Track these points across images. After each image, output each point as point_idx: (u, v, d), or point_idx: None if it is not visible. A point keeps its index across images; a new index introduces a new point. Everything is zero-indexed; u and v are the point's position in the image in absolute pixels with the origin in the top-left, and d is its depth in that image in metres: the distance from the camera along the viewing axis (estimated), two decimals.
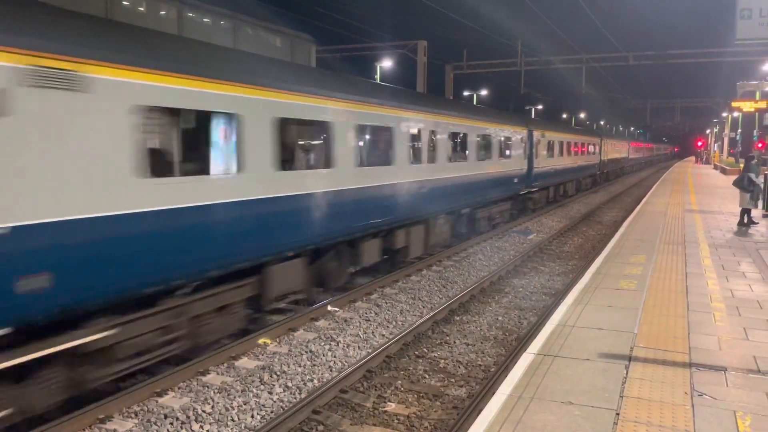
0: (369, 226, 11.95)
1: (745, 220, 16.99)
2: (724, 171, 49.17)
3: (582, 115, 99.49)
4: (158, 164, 7.25)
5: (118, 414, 6.76)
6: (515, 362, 6.71)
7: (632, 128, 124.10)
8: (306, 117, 9.95)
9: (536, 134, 24.98)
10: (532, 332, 9.43)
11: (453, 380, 8.14)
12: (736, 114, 50.58)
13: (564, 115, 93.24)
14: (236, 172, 8.32)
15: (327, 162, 10.48)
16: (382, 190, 12.32)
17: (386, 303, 11.54)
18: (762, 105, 38.91)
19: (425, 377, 8.24)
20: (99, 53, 6.35)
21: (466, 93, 56.02)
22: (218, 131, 8.25)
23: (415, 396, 7.62)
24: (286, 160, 9.47)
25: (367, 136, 12.09)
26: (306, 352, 8.86)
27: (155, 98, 7.04)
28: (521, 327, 10.50)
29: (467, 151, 17.24)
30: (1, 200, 5.44)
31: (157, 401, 7.11)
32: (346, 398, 7.42)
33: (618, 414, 5.28)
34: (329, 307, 10.88)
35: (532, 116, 60.81)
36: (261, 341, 9.09)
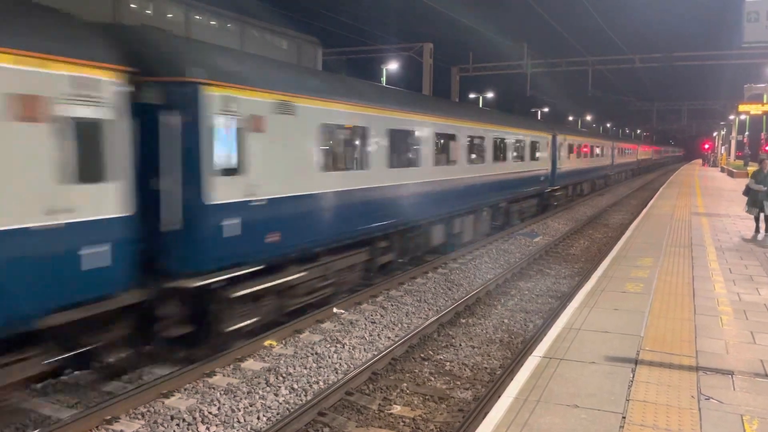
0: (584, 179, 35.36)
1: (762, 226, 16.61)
2: (731, 174, 48.95)
3: (588, 118, 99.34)
4: None
5: (124, 415, 6.78)
6: (521, 365, 6.71)
7: (638, 131, 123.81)
8: (583, 143, 34.82)
9: (615, 144, 47.85)
10: (538, 335, 9.42)
11: (459, 383, 8.14)
12: (743, 117, 50.34)
13: (570, 118, 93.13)
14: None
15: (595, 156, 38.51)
16: (589, 167, 36.38)
17: (392, 305, 11.54)
18: None
19: (431, 380, 8.24)
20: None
21: (471, 95, 55.94)
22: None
23: (421, 398, 7.62)
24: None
25: (581, 149, 33.34)
26: (312, 354, 8.87)
27: None
28: (527, 330, 10.49)
29: (596, 155, 38.41)
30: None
31: (163, 402, 7.13)
32: (351, 400, 7.43)
33: (624, 417, 5.27)
34: (335, 309, 10.88)
35: (538, 117, 61.67)
36: (267, 343, 9.11)
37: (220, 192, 7.89)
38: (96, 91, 6.46)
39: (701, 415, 5.31)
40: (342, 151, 11.17)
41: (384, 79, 36.29)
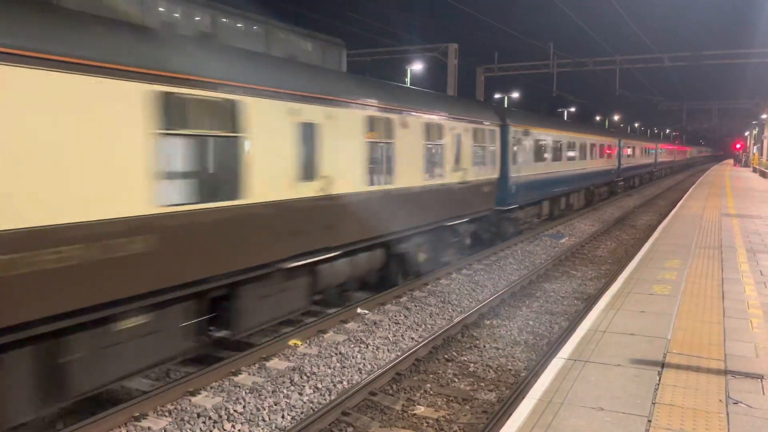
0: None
1: None
2: (763, 174, 47.94)
3: (616, 117, 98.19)
4: None
5: (152, 412, 6.90)
6: (546, 367, 6.67)
7: (668, 130, 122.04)
8: (664, 147, 67.33)
9: (677, 147, 78.16)
10: (563, 337, 9.34)
11: (483, 384, 8.12)
12: None
13: (597, 117, 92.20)
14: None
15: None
16: (667, 160, 66.87)
17: (416, 306, 11.55)
18: None
19: (455, 381, 8.23)
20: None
21: (497, 95, 55.67)
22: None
23: (445, 399, 7.62)
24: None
25: (665, 151, 64.88)
26: (336, 354, 8.92)
27: None
28: (552, 332, 10.42)
29: (668, 154, 68.10)
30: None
31: (190, 400, 7.24)
32: (375, 400, 7.46)
33: (650, 421, 5.21)
34: (359, 310, 10.93)
35: (565, 118, 61.29)
36: (291, 342, 9.18)
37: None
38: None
39: (729, 420, 5.23)
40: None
41: (408, 79, 36.28)
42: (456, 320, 10.44)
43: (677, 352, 6.95)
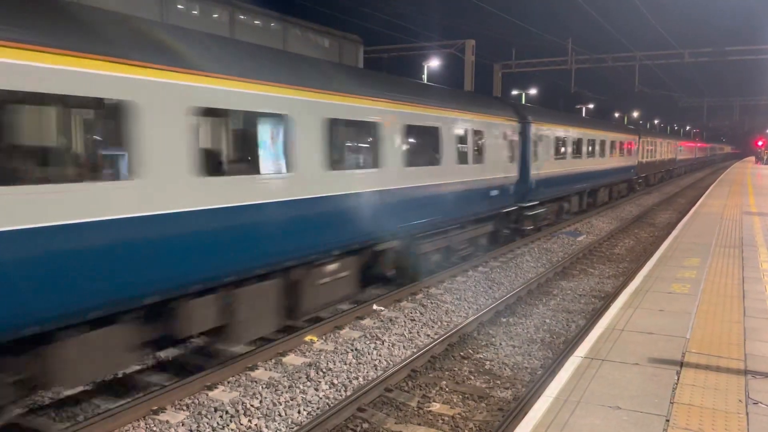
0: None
1: None
2: None
3: (635, 114, 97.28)
4: None
5: (170, 406, 6.98)
6: (562, 365, 6.64)
7: (688, 127, 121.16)
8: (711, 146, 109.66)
9: (716, 146, 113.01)
10: (580, 335, 9.29)
11: (498, 382, 8.10)
12: None
13: (616, 114, 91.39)
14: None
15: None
16: (712, 155, 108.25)
17: (431, 303, 11.54)
18: None
19: (470, 378, 8.22)
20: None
21: (514, 92, 55.40)
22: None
23: (460, 397, 7.61)
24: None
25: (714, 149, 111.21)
26: (351, 350, 8.95)
27: None
28: (569, 330, 10.36)
29: (712, 150, 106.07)
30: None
31: (207, 395, 7.31)
32: (390, 397, 7.47)
33: (668, 420, 5.16)
34: (375, 306, 10.95)
35: (583, 114, 60.90)
36: (307, 338, 9.22)
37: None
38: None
39: (749, 420, 5.17)
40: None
41: (425, 76, 36.20)
42: (472, 317, 10.42)
43: (696, 351, 6.88)
